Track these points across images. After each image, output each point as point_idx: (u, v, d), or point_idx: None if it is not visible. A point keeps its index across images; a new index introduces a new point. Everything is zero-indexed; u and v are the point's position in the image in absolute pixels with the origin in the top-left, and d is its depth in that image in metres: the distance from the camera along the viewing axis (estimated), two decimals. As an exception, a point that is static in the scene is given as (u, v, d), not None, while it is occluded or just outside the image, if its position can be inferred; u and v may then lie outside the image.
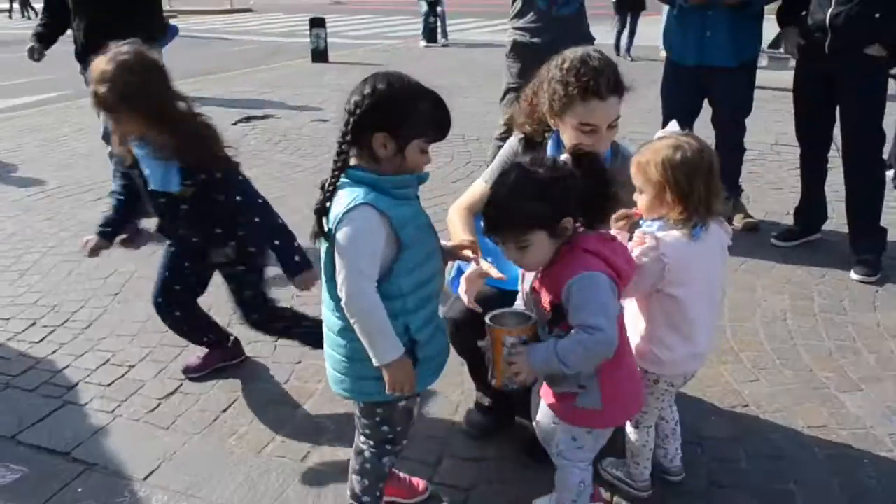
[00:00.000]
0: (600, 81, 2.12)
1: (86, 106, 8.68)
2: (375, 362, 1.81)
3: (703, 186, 1.98)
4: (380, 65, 11.28)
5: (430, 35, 14.07)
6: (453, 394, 2.83)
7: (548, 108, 2.24)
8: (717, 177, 2.02)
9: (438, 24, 14.18)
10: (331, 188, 1.80)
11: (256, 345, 3.24)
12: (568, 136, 2.25)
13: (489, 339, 1.88)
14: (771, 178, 5.45)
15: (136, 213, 2.92)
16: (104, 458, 2.53)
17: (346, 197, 1.77)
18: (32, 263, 4.12)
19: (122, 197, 2.80)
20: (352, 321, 1.79)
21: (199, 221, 2.68)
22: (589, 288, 1.75)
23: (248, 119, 7.71)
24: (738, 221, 4.49)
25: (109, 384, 2.96)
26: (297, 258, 2.56)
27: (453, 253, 2.06)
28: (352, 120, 1.75)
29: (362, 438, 2.06)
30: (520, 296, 2.06)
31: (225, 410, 2.79)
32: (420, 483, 2.34)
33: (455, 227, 2.43)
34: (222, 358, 3.06)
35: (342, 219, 1.75)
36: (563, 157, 1.82)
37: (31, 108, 8.42)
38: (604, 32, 11.43)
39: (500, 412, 2.55)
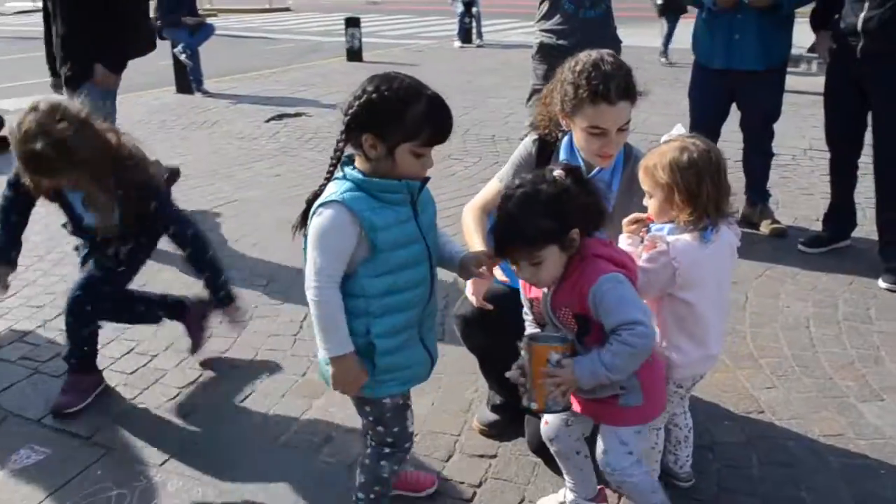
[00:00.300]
0: (610, 86, 2.13)
1: (123, 102, 8.83)
2: (320, 354, 1.84)
3: (712, 187, 1.97)
4: (414, 64, 11.33)
5: (465, 35, 14.08)
6: (467, 391, 2.85)
7: (559, 109, 2.26)
8: (725, 177, 2.02)
9: (474, 24, 14.19)
10: (324, 182, 1.85)
11: (276, 338, 3.30)
12: (578, 138, 2.26)
13: (527, 360, 1.86)
14: (802, 183, 5.38)
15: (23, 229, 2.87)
16: (124, 442, 2.61)
17: (329, 190, 1.81)
18: (65, 254, 4.23)
19: (12, 218, 2.79)
20: (310, 309, 1.81)
21: (121, 239, 2.72)
22: (615, 288, 1.77)
23: (280, 117, 7.82)
24: (766, 227, 4.44)
25: (132, 372, 3.05)
26: (221, 293, 2.62)
27: (466, 268, 2.00)
28: (344, 120, 1.79)
29: (367, 437, 2.07)
30: (528, 319, 2.07)
31: (242, 401, 2.85)
32: (428, 478, 2.36)
33: (468, 230, 2.45)
34: (200, 318, 3.10)
35: (315, 212, 1.80)
36: (557, 172, 1.82)
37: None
38: (641, 35, 11.35)
39: (512, 410, 2.56)
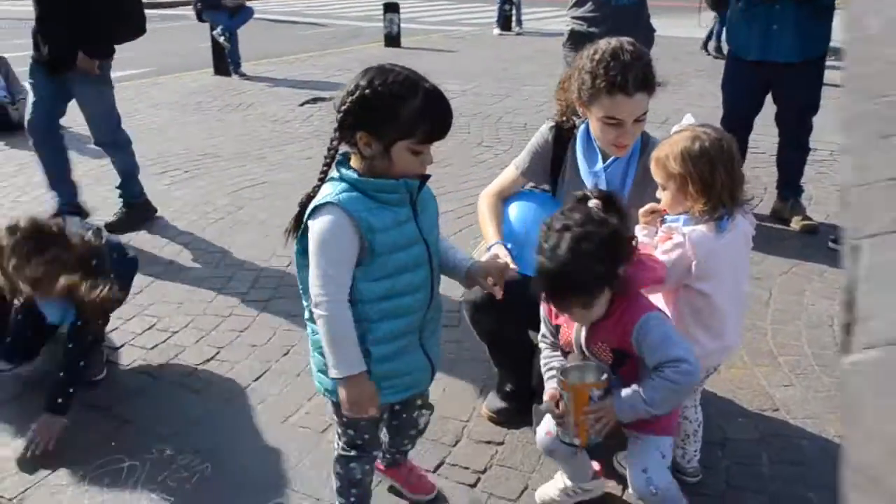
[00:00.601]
0: (628, 77, 2.09)
1: (162, 83, 8.94)
2: (331, 374, 1.72)
3: (726, 175, 1.94)
4: (451, 51, 11.30)
5: (504, 23, 13.98)
6: (479, 377, 2.85)
7: (576, 97, 2.24)
8: (738, 165, 1.99)
9: (514, 12, 14.09)
10: (318, 182, 1.75)
11: (295, 318, 3.32)
12: (593, 127, 2.24)
13: (567, 399, 1.85)
14: (838, 179, 5.24)
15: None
16: (138, 416, 2.67)
17: (324, 192, 1.72)
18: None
19: None
20: (317, 325, 1.72)
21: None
22: (660, 325, 1.79)
23: (314, 100, 7.85)
24: (796, 223, 4.34)
25: (152, 348, 3.11)
26: (59, 399, 2.53)
27: (474, 279, 1.93)
28: (337, 117, 1.69)
29: (336, 436, 2.02)
30: (546, 343, 2.05)
31: (256, 380, 2.89)
32: (429, 482, 2.29)
33: (483, 218, 2.44)
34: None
35: (310, 216, 1.71)
36: (593, 202, 1.79)
37: (115, 84, 8.76)
38: (679, 27, 11.15)
39: (520, 398, 2.56)
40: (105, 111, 4.25)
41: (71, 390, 2.57)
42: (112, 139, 4.31)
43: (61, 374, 2.58)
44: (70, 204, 4.30)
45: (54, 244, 2.54)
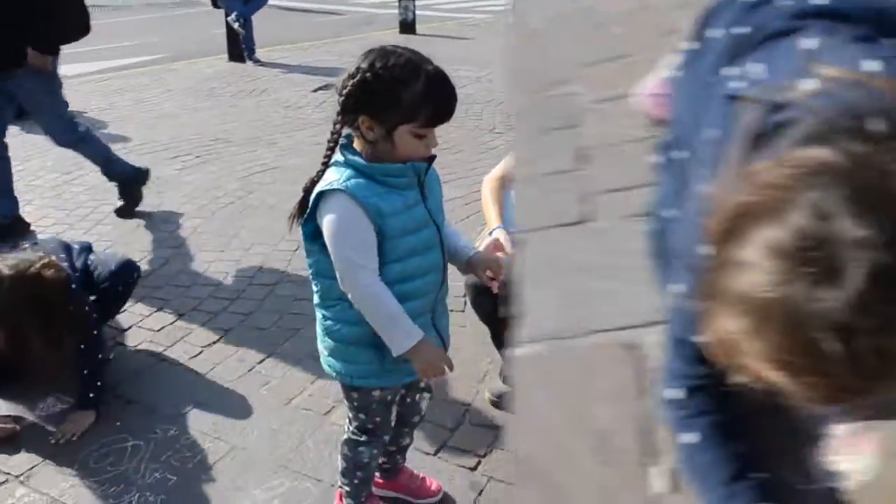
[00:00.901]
0: None
1: (177, 69, 8.97)
2: (395, 353, 1.73)
3: None
4: (466, 38, 11.24)
5: (520, 10, 13.93)
6: (482, 362, 2.85)
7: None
8: None
9: None
10: (322, 167, 1.72)
11: (301, 302, 3.34)
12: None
13: None
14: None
15: None
16: (144, 396, 2.70)
17: (329, 177, 1.69)
18: (106, 214, 4.35)
19: None
20: (364, 314, 1.73)
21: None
22: None
23: (327, 87, 7.76)
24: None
25: (159, 329, 3.13)
26: (91, 394, 2.57)
27: (474, 270, 1.91)
28: (339, 100, 1.65)
29: (347, 420, 2.01)
30: None
31: (261, 362, 2.90)
32: (433, 483, 2.27)
33: (486, 201, 2.44)
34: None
35: (317, 202, 1.69)
36: None
37: (130, 70, 8.83)
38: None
39: (523, 383, 2.56)
40: (58, 110, 4.07)
41: (99, 383, 2.60)
42: (74, 137, 4.16)
43: (84, 371, 2.59)
44: (7, 217, 4.00)
45: (38, 296, 2.55)
